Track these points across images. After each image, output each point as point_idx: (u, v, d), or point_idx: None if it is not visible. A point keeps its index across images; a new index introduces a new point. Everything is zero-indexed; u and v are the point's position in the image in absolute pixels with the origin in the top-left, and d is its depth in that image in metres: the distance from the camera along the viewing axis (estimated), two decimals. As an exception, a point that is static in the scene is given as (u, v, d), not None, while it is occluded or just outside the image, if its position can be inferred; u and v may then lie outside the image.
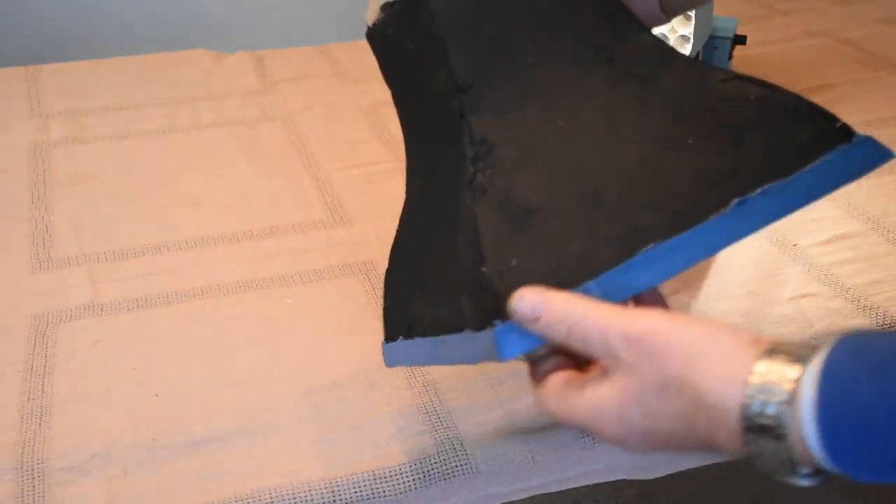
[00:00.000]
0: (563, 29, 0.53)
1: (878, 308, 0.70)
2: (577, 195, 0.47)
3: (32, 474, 0.58)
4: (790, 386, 0.37)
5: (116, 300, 0.73)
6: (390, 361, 0.54)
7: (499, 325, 0.43)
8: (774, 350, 0.38)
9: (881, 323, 0.68)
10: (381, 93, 1.05)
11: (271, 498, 0.56)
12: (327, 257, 0.78)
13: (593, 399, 0.42)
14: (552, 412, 0.45)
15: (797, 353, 0.38)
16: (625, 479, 0.62)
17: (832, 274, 0.73)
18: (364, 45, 1.23)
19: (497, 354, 0.43)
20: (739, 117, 0.49)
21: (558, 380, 0.45)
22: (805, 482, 0.38)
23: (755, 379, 0.38)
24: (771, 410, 0.37)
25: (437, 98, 0.51)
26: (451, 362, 0.48)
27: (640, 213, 0.46)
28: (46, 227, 0.82)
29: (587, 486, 0.62)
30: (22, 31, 1.68)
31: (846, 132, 0.48)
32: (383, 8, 0.54)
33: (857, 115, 0.96)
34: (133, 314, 0.72)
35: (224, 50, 1.17)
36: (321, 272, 0.76)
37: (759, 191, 0.46)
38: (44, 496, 0.56)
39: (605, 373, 0.42)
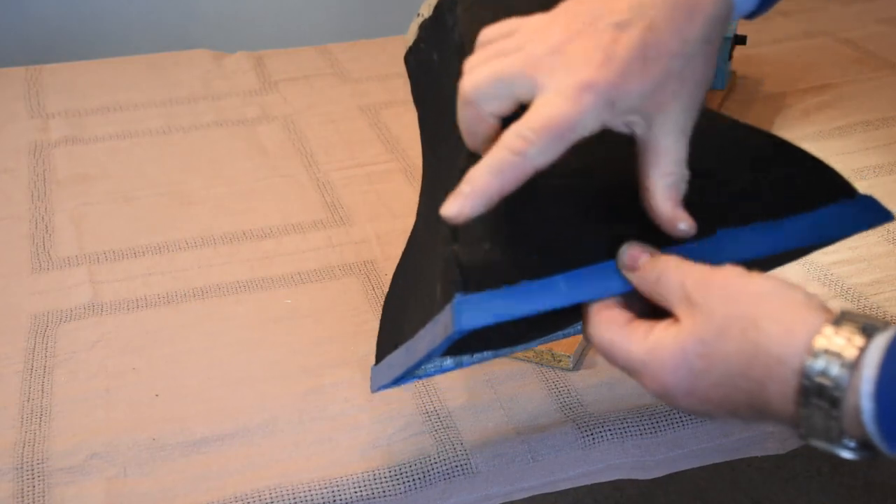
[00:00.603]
0: None
1: (878, 308, 0.70)
2: (563, 204, 0.48)
3: (32, 474, 0.58)
4: (855, 353, 0.37)
5: (116, 300, 0.73)
6: (375, 384, 0.54)
7: (458, 297, 0.43)
8: (844, 318, 0.38)
9: (881, 323, 0.68)
10: (381, 93, 1.06)
11: (271, 498, 0.56)
12: (327, 257, 0.78)
13: (656, 337, 0.42)
14: (607, 341, 0.44)
15: (865, 324, 0.38)
16: (625, 479, 0.62)
17: (832, 274, 0.73)
18: (364, 44, 1.23)
19: (451, 325, 0.43)
20: (742, 163, 0.50)
21: (626, 315, 0.44)
22: (849, 454, 0.38)
23: (822, 339, 0.38)
24: (833, 371, 0.37)
25: (451, 103, 0.52)
26: (420, 360, 0.47)
27: (622, 227, 0.46)
28: (46, 227, 0.82)
29: (587, 486, 0.62)
30: (22, 31, 1.68)
31: (848, 189, 0.49)
32: (420, 27, 0.55)
33: (857, 115, 0.97)
34: (133, 314, 0.72)
35: (224, 50, 1.17)
36: (321, 272, 0.76)
37: (748, 226, 0.46)
38: (44, 496, 0.56)
39: (676, 321, 0.42)
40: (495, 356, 0.57)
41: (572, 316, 0.47)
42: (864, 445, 0.38)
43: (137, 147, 0.95)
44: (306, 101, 1.04)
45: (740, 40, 1.00)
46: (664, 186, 0.46)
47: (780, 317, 0.39)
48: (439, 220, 0.47)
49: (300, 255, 0.78)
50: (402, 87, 1.06)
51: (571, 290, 0.44)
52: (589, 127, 0.44)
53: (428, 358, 0.47)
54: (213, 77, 1.10)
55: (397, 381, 0.52)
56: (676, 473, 0.63)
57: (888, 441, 0.36)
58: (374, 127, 0.98)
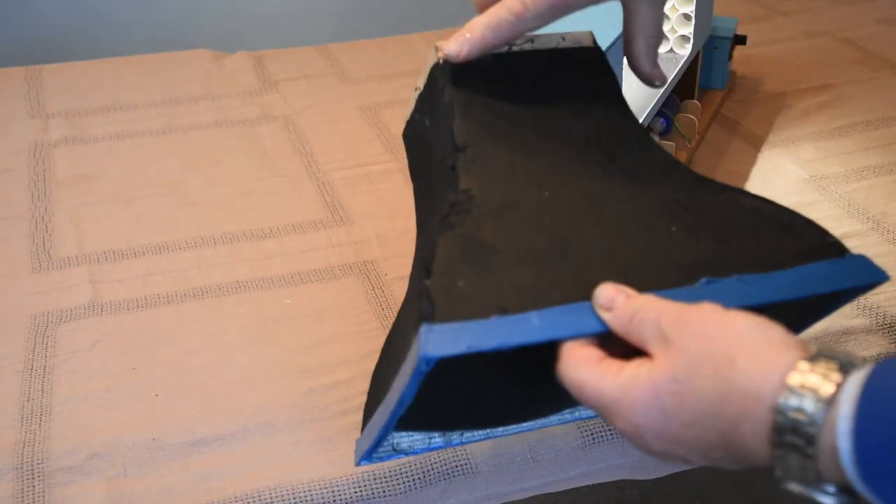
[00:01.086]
0: (571, 127, 0.54)
1: (878, 308, 0.70)
2: (542, 249, 0.47)
3: (32, 474, 0.58)
4: (831, 389, 0.36)
5: (116, 300, 0.73)
6: (357, 455, 0.53)
7: (426, 326, 0.42)
8: (820, 354, 0.37)
9: (881, 323, 0.68)
10: (381, 93, 1.06)
11: (271, 498, 0.56)
12: (327, 257, 0.78)
13: (629, 374, 0.41)
14: (578, 379, 0.42)
15: (843, 361, 0.37)
16: (625, 479, 0.62)
17: (832, 274, 0.73)
18: (364, 44, 1.23)
19: (418, 355, 0.42)
20: (730, 221, 0.49)
21: (598, 353, 0.43)
22: (829, 500, 0.37)
23: (797, 375, 0.37)
24: (808, 407, 0.36)
25: (439, 163, 0.52)
26: (395, 409, 0.46)
27: (602, 274, 0.45)
28: (46, 227, 0.82)
29: (587, 486, 0.62)
30: (22, 31, 1.68)
31: (838, 248, 0.48)
32: (417, 99, 0.56)
33: (857, 115, 0.97)
34: (133, 314, 0.72)
35: (224, 50, 1.17)
36: (321, 272, 0.76)
37: (733, 277, 0.45)
38: (44, 496, 0.56)
39: (649, 359, 0.41)
40: (487, 437, 0.57)
41: (565, 397, 0.46)
42: (845, 490, 0.36)
43: (137, 147, 0.95)
44: (306, 101, 1.04)
45: (740, 40, 1.00)
46: (646, 48, 0.57)
47: (755, 353, 0.38)
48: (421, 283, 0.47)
49: (300, 255, 0.78)
50: (402, 87, 1.07)
51: (544, 327, 0.43)
52: (582, 5, 0.53)
53: (402, 405, 0.45)
54: (213, 77, 1.10)
55: (377, 446, 0.50)
56: (676, 473, 0.63)
57: (868, 483, 0.35)
58: (374, 127, 0.98)
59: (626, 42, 0.57)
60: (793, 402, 0.36)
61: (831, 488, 0.37)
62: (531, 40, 0.56)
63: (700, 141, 0.92)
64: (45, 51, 1.61)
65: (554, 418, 0.58)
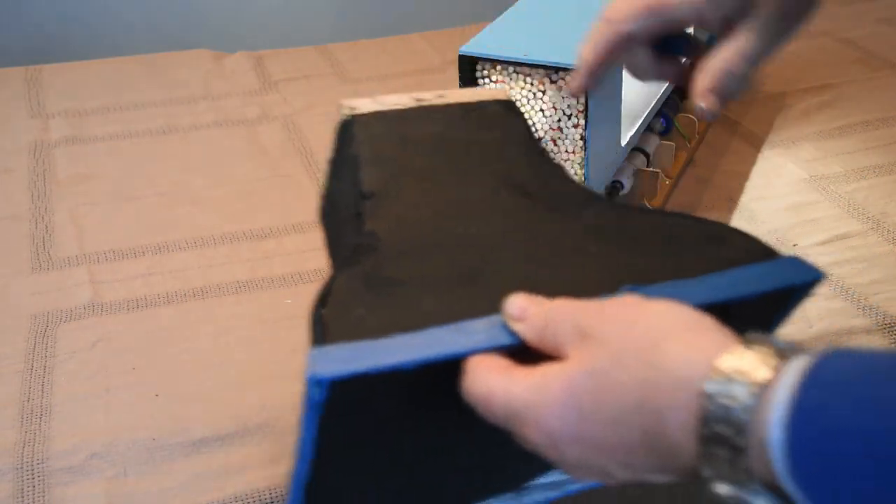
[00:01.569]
0: (483, 169, 0.52)
1: (878, 308, 0.70)
2: (451, 276, 0.44)
3: (32, 474, 0.58)
4: (768, 374, 0.32)
5: (116, 300, 0.73)
6: None
7: (315, 349, 0.38)
8: (757, 339, 0.34)
9: (881, 323, 0.68)
10: (381, 93, 1.05)
11: (271, 498, 0.56)
12: (327, 257, 0.78)
13: (541, 373, 0.36)
14: (486, 388, 0.37)
15: (783, 346, 0.33)
16: (625, 479, 0.61)
17: (832, 274, 0.73)
18: (364, 44, 1.23)
19: (307, 378, 0.37)
20: (656, 238, 0.47)
21: (506, 362, 0.38)
22: (760, 502, 0.32)
23: (730, 357, 0.33)
24: (740, 392, 0.32)
25: (347, 214, 0.51)
26: (297, 469, 0.43)
27: (514, 290, 0.41)
28: (46, 227, 0.82)
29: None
30: (22, 31, 1.68)
31: (769, 253, 0.46)
32: (329, 165, 0.55)
33: (857, 115, 0.97)
34: (133, 314, 0.72)
35: (224, 50, 1.17)
36: (321, 272, 0.76)
37: (658, 283, 0.42)
38: (44, 496, 0.56)
39: (564, 359, 0.37)
40: None
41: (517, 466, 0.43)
42: (774, 490, 0.32)
43: (137, 147, 0.95)
44: (306, 101, 1.04)
45: (740, 40, 1.00)
46: (717, 69, 0.50)
47: (683, 336, 0.34)
48: None
49: (300, 255, 0.78)
50: (402, 88, 1.07)
51: (450, 342, 0.39)
52: (682, 13, 0.50)
53: (303, 461, 0.41)
54: (213, 77, 1.10)
55: None
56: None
57: (797, 480, 0.30)
58: (374, 127, 0.98)
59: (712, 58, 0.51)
60: (723, 386, 0.32)
61: (764, 491, 0.32)
62: (441, 95, 0.55)
63: (700, 141, 0.92)
64: (45, 51, 1.61)
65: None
